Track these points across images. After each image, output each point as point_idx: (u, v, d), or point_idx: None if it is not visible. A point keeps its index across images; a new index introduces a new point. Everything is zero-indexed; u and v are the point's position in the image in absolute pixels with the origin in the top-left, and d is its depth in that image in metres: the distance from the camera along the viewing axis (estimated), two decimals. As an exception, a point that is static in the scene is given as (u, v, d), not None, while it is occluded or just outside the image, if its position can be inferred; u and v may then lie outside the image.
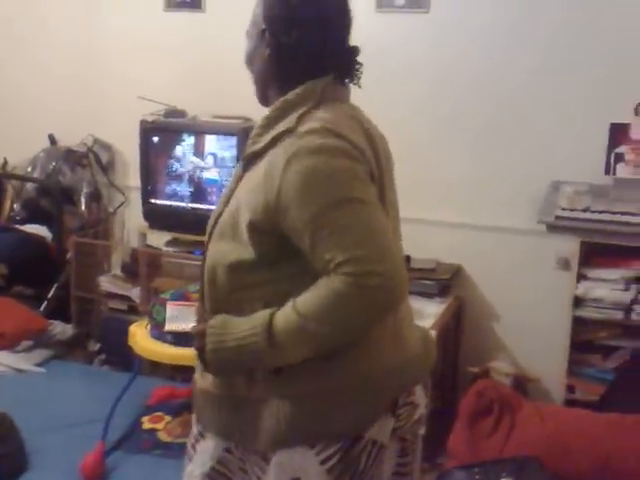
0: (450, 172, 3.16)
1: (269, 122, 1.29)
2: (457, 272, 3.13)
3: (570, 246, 2.85)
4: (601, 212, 2.68)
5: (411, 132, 3.17)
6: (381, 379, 1.27)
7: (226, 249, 1.29)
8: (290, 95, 1.29)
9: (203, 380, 1.38)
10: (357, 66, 1.37)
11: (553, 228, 2.75)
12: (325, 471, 1.23)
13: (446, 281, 3.03)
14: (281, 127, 1.26)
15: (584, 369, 2.80)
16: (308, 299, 1.18)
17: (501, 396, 2.17)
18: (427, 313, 2.75)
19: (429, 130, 3.18)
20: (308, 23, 1.29)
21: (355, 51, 1.37)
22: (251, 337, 1.20)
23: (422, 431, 1.39)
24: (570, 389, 2.77)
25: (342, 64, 1.34)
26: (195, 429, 1.42)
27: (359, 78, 1.38)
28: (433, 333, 1.92)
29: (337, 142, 1.20)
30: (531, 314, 3.04)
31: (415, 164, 3.18)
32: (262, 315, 1.21)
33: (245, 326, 1.22)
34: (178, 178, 3.32)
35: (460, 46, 3.09)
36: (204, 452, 1.38)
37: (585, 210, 2.72)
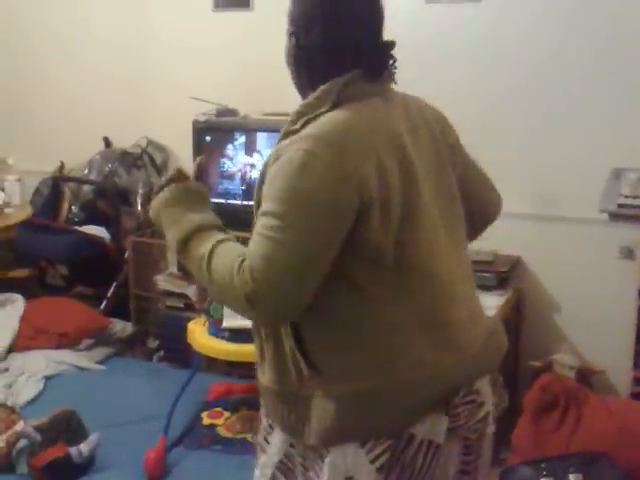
0: (508, 161, 3.07)
1: (288, 125, 1.29)
2: (516, 264, 3.05)
3: (634, 235, 2.76)
4: (665, 199, 2.58)
5: (466, 122, 3.07)
6: (423, 384, 1.26)
7: None
8: (309, 98, 1.28)
9: (263, 377, 1.38)
10: (389, 61, 1.32)
11: (616, 217, 2.66)
12: (375, 470, 1.22)
13: (505, 273, 2.96)
14: (290, 128, 1.27)
15: (652, 361, 2.71)
16: (221, 256, 1.24)
17: (566, 390, 2.10)
18: (486, 306, 2.68)
19: (485, 119, 3.10)
20: (325, 22, 1.28)
21: (386, 46, 1.32)
22: (172, 230, 1.35)
23: (490, 429, 1.36)
24: (637, 381, 2.67)
25: (369, 60, 1.29)
26: (265, 422, 1.43)
27: (393, 73, 1.34)
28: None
29: (318, 159, 1.17)
30: (594, 305, 2.95)
31: (471, 154, 3.12)
32: (189, 225, 1.31)
33: (176, 221, 1.35)
34: (230, 177, 3.33)
35: (515, 35, 3.01)
36: (274, 445, 1.39)
37: (648, 197, 2.62)
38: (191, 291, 3.41)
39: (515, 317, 2.99)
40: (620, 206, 2.64)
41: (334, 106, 1.24)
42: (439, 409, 1.25)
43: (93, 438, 2.45)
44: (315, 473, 1.30)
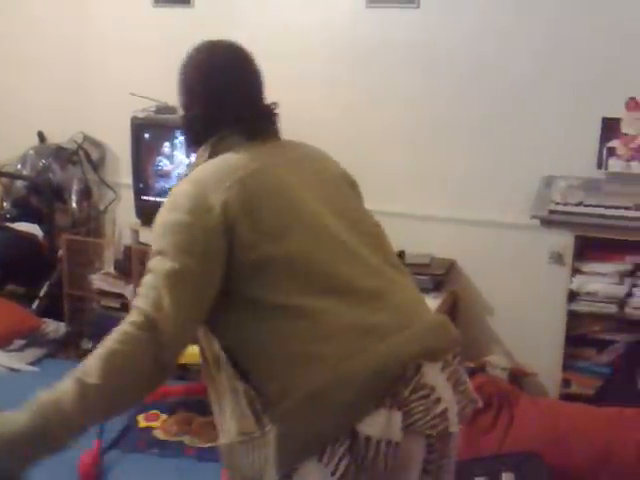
0: (444, 168, 3.17)
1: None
2: (451, 267, 3.13)
3: (564, 240, 2.86)
4: (595, 206, 2.69)
5: (403, 128, 3.18)
6: (358, 373, 1.25)
7: None
8: (196, 155, 1.51)
9: (227, 435, 1.38)
10: (270, 122, 1.53)
11: (547, 223, 2.76)
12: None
13: (440, 276, 3.03)
14: None
15: (579, 363, 2.82)
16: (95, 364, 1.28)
17: (499, 391, 2.18)
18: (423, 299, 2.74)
19: (421, 126, 3.18)
20: (207, 97, 1.49)
21: (266, 111, 1.53)
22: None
23: (453, 428, 1.34)
24: (566, 383, 2.79)
25: (249, 125, 1.48)
26: None
27: (276, 129, 1.54)
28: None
29: (183, 195, 1.34)
30: (526, 309, 3.06)
31: (408, 160, 3.19)
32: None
33: None
34: (166, 175, 3.30)
35: (452, 42, 3.08)
36: None
37: (578, 204, 2.73)
38: (128, 291, 3.36)
39: (450, 319, 3.05)
40: (551, 212, 2.74)
41: (210, 157, 1.45)
42: (389, 404, 1.24)
43: None
44: None
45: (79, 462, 2.39)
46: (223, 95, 1.49)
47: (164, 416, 2.77)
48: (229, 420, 1.35)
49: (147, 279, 1.30)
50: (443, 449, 1.35)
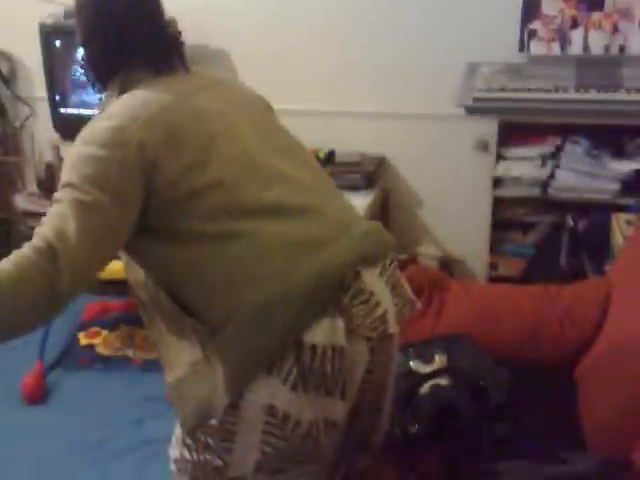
0: (367, 62, 3.11)
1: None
2: (381, 163, 3.15)
3: (488, 128, 2.90)
4: (517, 90, 2.71)
5: (321, 25, 3.09)
6: (298, 287, 1.26)
7: None
8: (105, 94, 1.46)
9: (174, 371, 1.36)
10: (175, 52, 1.49)
11: (472, 110, 2.78)
12: (290, 389, 1.25)
13: (371, 173, 3.05)
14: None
15: (505, 246, 2.94)
16: None
17: (430, 279, 2.24)
18: (355, 207, 2.77)
19: (344, 20, 3.10)
20: (104, 32, 1.44)
21: (169, 42, 1.48)
22: None
23: (393, 330, 1.37)
24: (493, 266, 2.90)
25: (153, 57, 1.45)
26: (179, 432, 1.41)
27: (183, 61, 1.50)
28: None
29: (98, 130, 1.30)
30: (453, 198, 3.13)
31: (332, 57, 3.12)
32: None
33: None
34: (84, 86, 3.15)
35: None
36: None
37: (501, 90, 2.75)
38: (54, 210, 3.27)
39: (381, 215, 3.11)
40: (475, 100, 2.75)
41: (120, 94, 1.41)
42: (331, 312, 1.26)
43: None
44: (231, 432, 1.30)
45: (22, 384, 2.40)
46: (122, 22, 1.43)
47: (105, 332, 2.78)
48: (175, 355, 1.35)
49: (53, 208, 1.25)
50: (384, 350, 1.39)
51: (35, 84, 3.53)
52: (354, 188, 2.96)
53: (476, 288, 2.27)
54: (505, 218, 2.91)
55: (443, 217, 3.15)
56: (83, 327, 2.82)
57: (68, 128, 3.22)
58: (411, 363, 1.97)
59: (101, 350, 2.70)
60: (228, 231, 1.29)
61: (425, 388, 1.90)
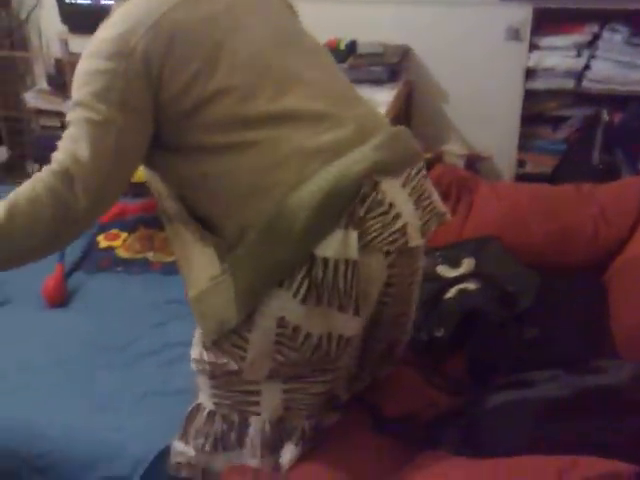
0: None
1: None
2: (405, 54, 2.98)
3: (520, 14, 2.71)
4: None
5: None
6: (311, 196, 1.20)
7: None
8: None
9: (196, 285, 1.34)
10: None
11: (506, -4, 2.58)
12: (299, 302, 1.22)
13: (395, 65, 2.89)
14: None
15: (534, 142, 2.81)
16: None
17: (458, 179, 2.15)
18: (377, 102, 2.65)
19: None
20: None
21: None
22: None
23: (415, 243, 1.30)
24: (521, 163, 2.79)
25: None
26: (200, 340, 1.41)
27: None
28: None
29: (103, 41, 1.23)
30: (481, 91, 2.98)
31: None
32: None
33: None
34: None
35: None
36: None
37: (537, -27, 2.55)
38: (66, 107, 3.16)
39: (405, 111, 2.97)
40: (509, -16, 2.55)
41: None
42: (345, 224, 1.20)
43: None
44: (245, 340, 1.30)
45: (44, 286, 2.38)
46: None
47: (124, 234, 2.73)
48: (197, 270, 1.33)
49: (66, 132, 1.22)
50: (405, 263, 1.33)
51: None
52: (377, 82, 2.82)
53: (505, 188, 2.17)
54: (535, 112, 2.77)
55: (470, 112, 3.01)
56: (102, 230, 2.77)
57: (77, 20, 3.06)
58: (438, 268, 1.91)
59: (121, 253, 2.65)
60: (239, 141, 1.24)
61: (452, 292, 1.85)
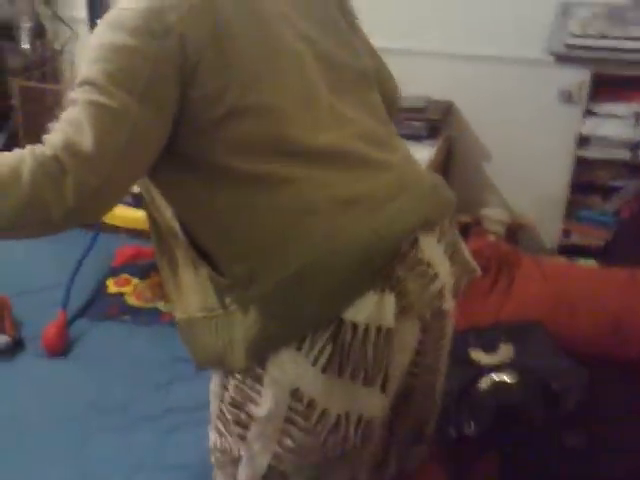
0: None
1: None
2: (448, 110, 2.82)
3: (575, 77, 2.54)
4: (617, 38, 2.33)
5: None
6: (344, 253, 1.05)
7: None
8: None
9: (184, 310, 1.18)
10: None
11: (562, 58, 2.41)
12: (320, 371, 1.05)
13: (436, 121, 2.73)
14: None
15: (581, 211, 2.61)
16: None
17: (499, 254, 1.96)
18: (415, 159, 2.48)
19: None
20: None
21: None
22: None
23: (448, 305, 1.17)
24: (565, 233, 2.59)
25: None
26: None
27: None
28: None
29: (129, 10, 1.01)
30: (527, 153, 2.79)
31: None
32: None
33: None
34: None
35: None
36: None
37: (599, 37, 2.37)
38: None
39: (444, 169, 2.80)
40: (568, 47, 2.38)
41: None
42: (380, 286, 1.05)
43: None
44: (255, 403, 1.13)
45: (44, 334, 2.23)
46: None
47: (136, 280, 2.58)
48: (187, 295, 1.16)
49: (67, 112, 0.99)
50: (437, 328, 1.20)
51: (77, 3, 3.27)
52: (416, 137, 2.66)
53: (551, 267, 1.98)
54: (584, 180, 2.57)
55: (514, 175, 2.82)
56: (113, 273, 2.62)
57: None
58: (471, 351, 1.71)
59: (130, 300, 2.50)
60: (268, 172, 1.05)
61: (486, 383, 1.65)
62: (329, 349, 1.04)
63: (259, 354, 1.08)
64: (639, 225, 2.36)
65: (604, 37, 2.34)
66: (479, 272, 1.28)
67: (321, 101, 1.11)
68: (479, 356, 1.69)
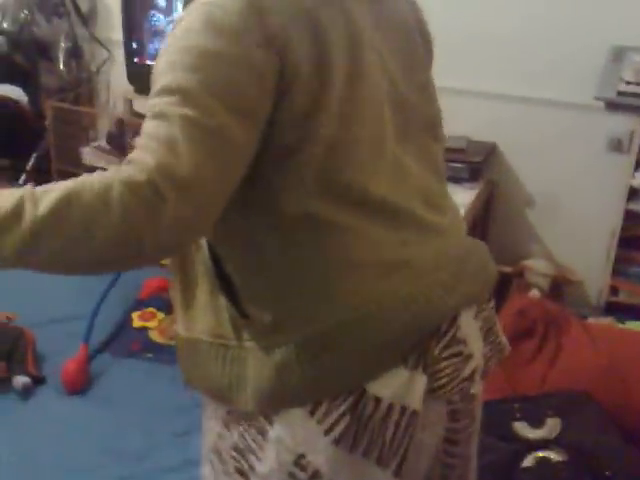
0: (488, 31, 2.64)
1: None
2: (491, 152, 2.71)
3: (627, 125, 2.43)
4: (673, 87, 2.23)
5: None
6: (378, 320, 0.96)
7: None
8: None
9: (189, 328, 1.06)
10: None
11: (613, 105, 2.30)
12: (332, 443, 0.95)
13: (477, 164, 2.62)
14: None
15: (630, 268, 2.48)
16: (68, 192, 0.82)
17: (546, 314, 1.84)
18: (455, 202, 2.37)
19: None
20: None
21: None
22: None
23: (476, 389, 1.07)
24: (613, 290, 2.46)
25: None
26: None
27: None
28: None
29: (227, 14, 0.85)
30: (573, 202, 2.67)
31: (443, 21, 2.67)
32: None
33: None
34: (162, 34, 2.82)
35: None
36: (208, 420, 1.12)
37: (654, 84, 2.27)
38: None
39: (484, 214, 2.69)
40: (620, 94, 2.28)
41: None
42: (413, 362, 0.96)
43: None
44: (256, 456, 1.02)
45: (63, 369, 2.15)
46: None
47: (161, 315, 2.50)
48: (197, 313, 1.04)
49: (153, 125, 0.82)
50: (467, 413, 1.09)
51: (116, 25, 3.22)
52: (456, 180, 2.55)
53: (601, 330, 1.85)
54: (634, 235, 2.44)
55: (559, 224, 2.69)
56: (139, 306, 2.54)
57: (144, 81, 2.90)
58: (515, 424, 1.60)
59: (154, 336, 2.42)
60: (323, 215, 0.94)
61: (530, 460, 1.53)
62: (346, 421, 0.95)
63: (269, 404, 0.99)
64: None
65: (659, 85, 2.23)
66: (508, 349, 1.17)
67: (387, 149, 1.01)
68: (524, 430, 1.57)
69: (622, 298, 2.43)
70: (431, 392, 0.99)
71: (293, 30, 0.87)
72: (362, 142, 0.97)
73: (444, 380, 1.00)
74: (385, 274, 0.98)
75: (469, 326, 1.04)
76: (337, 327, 0.95)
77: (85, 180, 0.81)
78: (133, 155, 0.82)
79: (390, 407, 0.95)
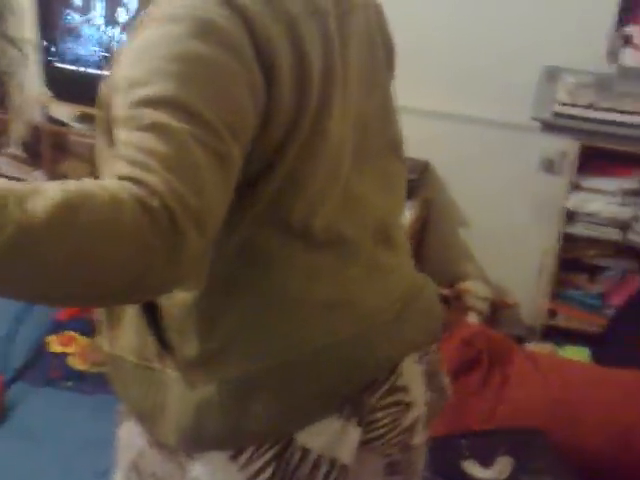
0: (421, 47, 2.57)
1: None
2: (424, 170, 2.67)
3: (560, 146, 2.44)
4: (608, 110, 2.23)
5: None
6: (312, 366, 0.90)
7: None
8: None
9: (112, 344, 0.98)
10: None
11: (550, 127, 2.29)
12: None
13: (413, 182, 2.57)
14: None
15: (567, 290, 2.48)
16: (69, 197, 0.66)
17: (490, 345, 1.80)
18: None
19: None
20: None
21: None
22: None
23: (418, 440, 1.02)
24: (551, 314, 2.45)
25: None
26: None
27: None
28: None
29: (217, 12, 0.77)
30: (508, 222, 2.65)
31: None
32: None
33: None
34: (79, 36, 2.63)
35: None
36: (124, 437, 1.07)
37: (588, 107, 2.27)
38: (39, 176, 2.80)
39: (421, 233, 2.64)
40: (556, 115, 2.27)
41: None
42: (347, 412, 0.90)
43: None
44: None
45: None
46: None
47: (82, 339, 2.32)
48: (122, 329, 0.96)
49: (151, 141, 0.68)
50: (406, 465, 1.04)
51: (27, 23, 2.99)
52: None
53: (550, 364, 1.81)
54: (569, 257, 2.45)
55: (494, 244, 2.68)
56: (54, 329, 2.35)
57: (62, 86, 2.71)
58: (463, 463, 1.54)
59: (74, 362, 2.25)
60: (258, 248, 0.89)
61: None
62: (269, 471, 0.89)
63: (188, 443, 0.92)
64: (636, 316, 2.22)
65: (593, 108, 2.23)
66: (450, 394, 1.12)
67: (341, 177, 0.93)
68: (473, 469, 1.51)
69: (560, 322, 2.43)
70: (366, 443, 0.94)
71: (271, 30, 0.80)
72: (318, 175, 0.89)
73: (381, 431, 0.95)
74: (325, 313, 0.92)
75: (411, 372, 0.98)
76: (265, 371, 0.89)
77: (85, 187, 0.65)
78: (126, 171, 0.67)
79: (318, 459, 0.90)
